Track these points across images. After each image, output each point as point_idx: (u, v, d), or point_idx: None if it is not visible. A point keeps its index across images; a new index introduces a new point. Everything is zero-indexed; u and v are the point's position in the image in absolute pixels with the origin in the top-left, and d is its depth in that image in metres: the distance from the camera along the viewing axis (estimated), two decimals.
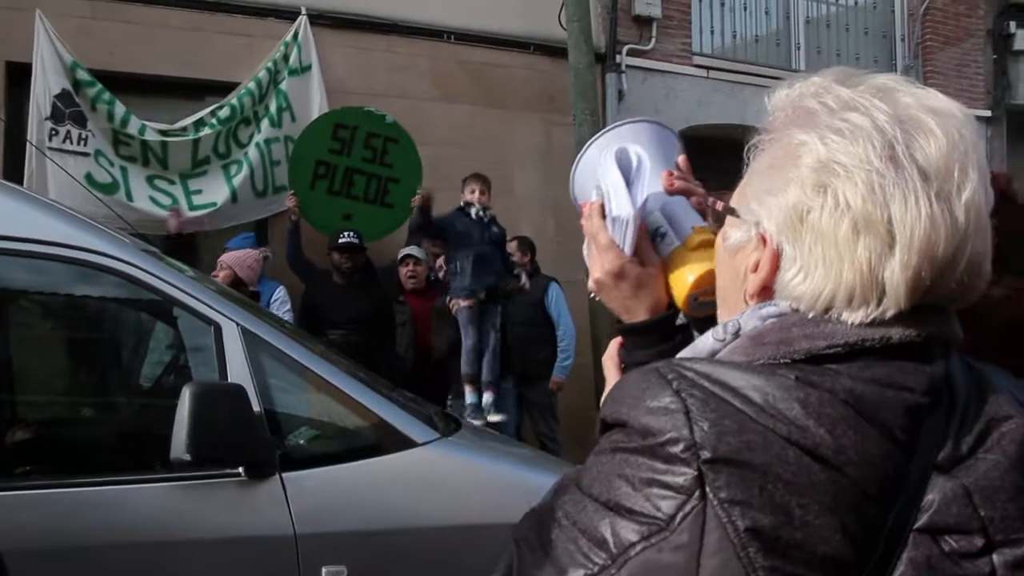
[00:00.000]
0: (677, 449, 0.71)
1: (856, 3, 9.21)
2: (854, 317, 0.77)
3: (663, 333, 1.09)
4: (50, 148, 5.55)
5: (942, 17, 9.40)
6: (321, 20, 6.71)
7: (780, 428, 0.72)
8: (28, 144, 5.56)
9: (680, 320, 1.12)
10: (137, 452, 2.69)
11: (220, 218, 6.22)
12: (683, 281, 1.08)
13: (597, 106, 7.00)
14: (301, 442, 2.72)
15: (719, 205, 0.92)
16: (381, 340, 5.66)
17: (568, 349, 6.18)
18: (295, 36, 6.52)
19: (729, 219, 0.89)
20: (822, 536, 0.70)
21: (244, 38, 6.50)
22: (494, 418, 5.48)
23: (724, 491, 0.70)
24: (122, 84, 6.05)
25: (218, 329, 2.61)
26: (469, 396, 5.50)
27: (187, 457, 2.28)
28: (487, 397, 5.53)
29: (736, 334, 0.84)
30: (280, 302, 5.61)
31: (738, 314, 0.85)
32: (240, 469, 2.45)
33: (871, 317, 0.77)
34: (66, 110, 5.68)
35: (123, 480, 2.48)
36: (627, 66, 7.71)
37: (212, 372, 2.59)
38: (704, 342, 0.87)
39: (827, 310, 0.78)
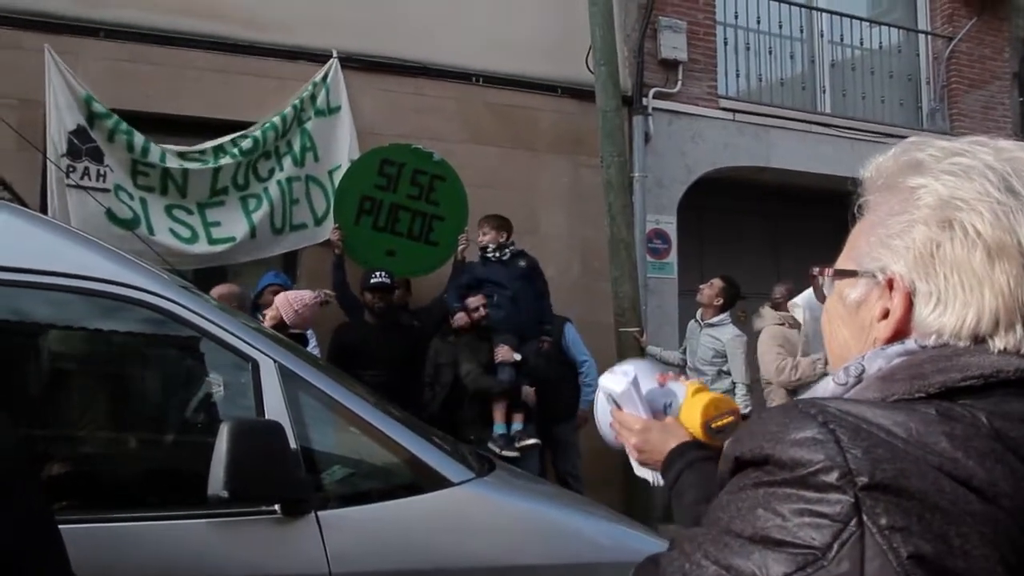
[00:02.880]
0: (831, 478, 0.70)
1: (881, 47, 9.24)
2: (1005, 342, 0.79)
3: (698, 447, 1.32)
4: (69, 185, 5.60)
5: (967, 60, 9.42)
6: (351, 63, 6.81)
7: (932, 459, 0.71)
8: (48, 180, 5.60)
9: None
10: (173, 488, 2.67)
11: (238, 253, 6.25)
12: (694, 415, 1.37)
13: (624, 148, 7.04)
14: (337, 480, 2.69)
15: (829, 271, 0.95)
16: (411, 382, 5.65)
17: (592, 383, 6.15)
18: (324, 78, 6.62)
19: (842, 282, 0.93)
20: (983, 567, 0.68)
21: (276, 80, 6.61)
22: (527, 442, 5.47)
23: (884, 518, 0.68)
24: (155, 125, 6.15)
25: (255, 366, 2.61)
26: (498, 427, 5.48)
27: (224, 493, 2.26)
28: (516, 424, 5.51)
29: (859, 377, 0.84)
30: (307, 336, 5.61)
31: (858, 357, 0.86)
32: (276, 507, 2.43)
33: (1020, 342, 0.79)
34: (83, 146, 5.72)
35: (158, 516, 2.47)
36: (654, 109, 7.76)
37: (249, 409, 2.59)
38: (825, 387, 0.88)
39: (975, 337, 0.80)
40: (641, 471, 1.44)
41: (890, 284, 0.85)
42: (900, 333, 0.84)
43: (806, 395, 0.88)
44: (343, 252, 6.08)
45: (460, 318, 5.73)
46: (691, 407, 1.38)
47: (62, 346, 2.83)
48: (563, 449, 6.17)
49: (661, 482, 1.37)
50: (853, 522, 0.68)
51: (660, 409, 1.43)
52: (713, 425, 1.33)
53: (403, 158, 6.38)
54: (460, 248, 6.21)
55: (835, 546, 0.68)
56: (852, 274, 0.90)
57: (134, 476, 2.76)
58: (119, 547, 2.33)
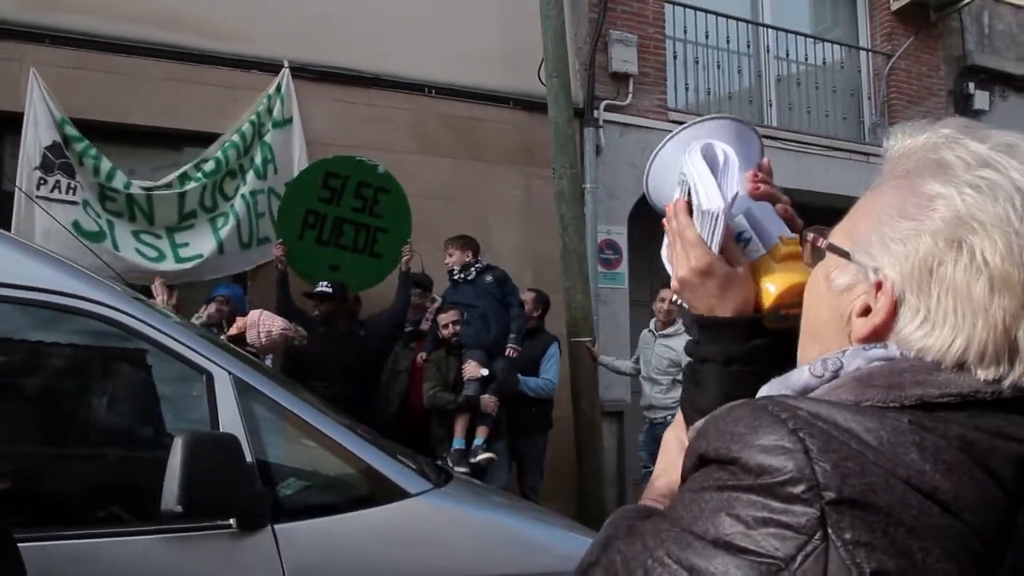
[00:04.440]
0: (798, 489, 0.69)
1: (824, 63, 9.47)
2: (986, 374, 0.77)
3: (747, 333, 1.05)
4: (38, 196, 5.53)
5: (906, 77, 9.71)
6: (303, 73, 6.77)
7: (899, 472, 0.71)
8: (16, 191, 5.53)
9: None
10: (125, 504, 2.62)
11: (205, 269, 6.18)
12: (767, 292, 1.06)
13: (576, 160, 7.09)
14: (293, 493, 2.67)
15: (822, 243, 0.91)
16: (364, 392, 5.61)
17: (538, 387, 6.18)
18: (278, 89, 6.57)
19: (832, 258, 0.89)
20: None
21: (227, 90, 6.53)
22: (481, 456, 5.43)
23: (848, 532, 0.68)
24: (104, 134, 6.05)
25: (210, 378, 2.58)
26: (457, 441, 5.46)
27: (178, 508, 2.23)
28: (478, 439, 5.50)
29: (836, 373, 0.82)
30: None
31: (838, 352, 0.84)
32: (231, 520, 2.41)
33: (1003, 375, 0.77)
34: (56, 160, 5.70)
35: (111, 533, 2.42)
36: (605, 121, 7.85)
37: (204, 422, 2.55)
38: (799, 376, 0.85)
39: (960, 364, 0.77)
40: (668, 263, 1.13)
41: (879, 285, 0.82)
42: (878, 335, 0.82)
43: (778, 381, 0.87)
44: (287, 267, 6.02)
45: (421, 358, 5.82)
46: (775, 276, 1.07)
47: (13, 359, 2.76)
48: (528, 464, 6.19)
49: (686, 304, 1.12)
50: (818, 535, 0.68)
51: (734, 235, 1.09)
52: (782, 311, 1.06)
53: (347, 170, 6.31)
54: (404, 259, 6.18)
55: (799, 558, 0.68)
56: (845, 255, 0.86)
57: (86, 491, 2.70)
58: (71, 565, 2.28)
